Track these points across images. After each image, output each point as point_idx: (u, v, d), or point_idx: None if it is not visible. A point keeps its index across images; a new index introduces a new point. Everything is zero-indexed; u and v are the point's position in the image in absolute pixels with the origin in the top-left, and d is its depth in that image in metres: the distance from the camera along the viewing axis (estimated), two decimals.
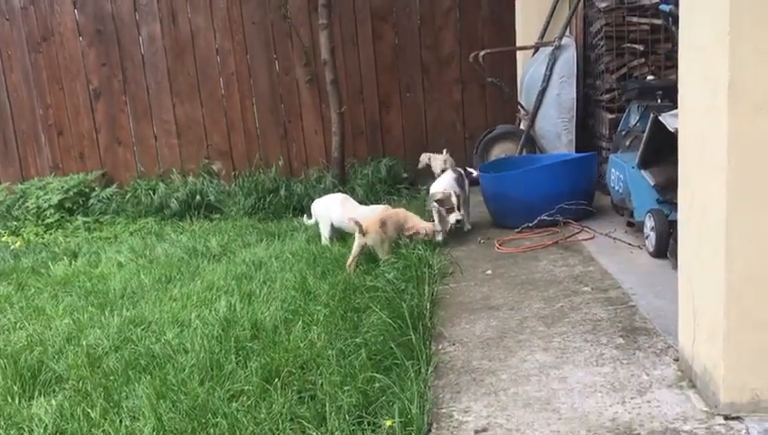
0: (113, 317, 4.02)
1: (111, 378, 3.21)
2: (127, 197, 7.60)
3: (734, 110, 2.01)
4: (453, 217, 4.73)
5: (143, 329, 3.80)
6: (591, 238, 4.46)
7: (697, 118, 2.29)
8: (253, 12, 7.67)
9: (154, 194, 7.49)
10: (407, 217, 4.66)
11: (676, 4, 2.76)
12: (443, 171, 6.51)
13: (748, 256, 2.09)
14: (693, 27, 2.33)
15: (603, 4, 5.49)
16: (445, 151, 6.72)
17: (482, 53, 6.04)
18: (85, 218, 7.28)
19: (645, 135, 4.08)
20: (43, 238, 6.86)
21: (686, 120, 2.45)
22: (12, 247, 6.45)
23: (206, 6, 7.70)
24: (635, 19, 5.43)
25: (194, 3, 7.71)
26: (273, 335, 3.45)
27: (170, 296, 4.34)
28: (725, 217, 2.09)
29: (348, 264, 4.40)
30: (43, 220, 7.30)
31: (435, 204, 4.78)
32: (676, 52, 2.52)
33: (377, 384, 2.73)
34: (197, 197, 7.26)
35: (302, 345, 3.26)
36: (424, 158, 6.93)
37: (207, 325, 3.67)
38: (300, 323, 3.55)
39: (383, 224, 4.47)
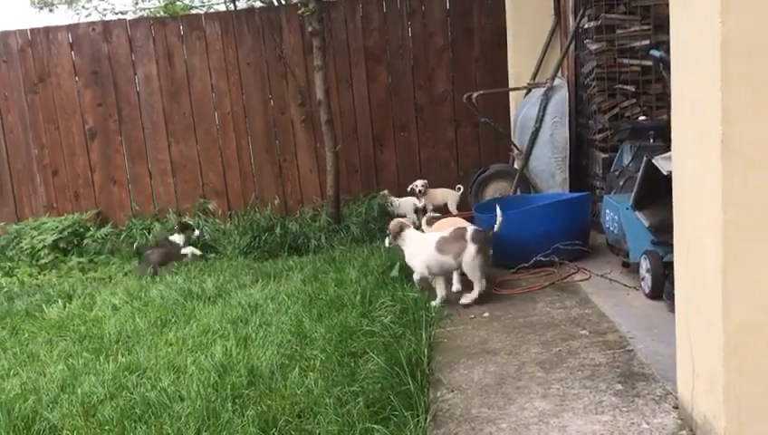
0: (108, 363, 3.98)
1: (106, 428, 3.17)
2: (122, 236, 7.57)
3: (728, 164, 2.04)
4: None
5: (138, 376, 3.76)
6: (588, 279, 4.48)
7: (692, 170, 2.32)
8: (248, 53, 7.77)
9: (149, 233, 7.48)
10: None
11: (667, 51, 2.81)
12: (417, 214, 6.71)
13: (746, 309, 2.10)
14: (685, 81, 2.37)
15: (594, 47, 5.57)
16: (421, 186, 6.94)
17: (475, 95, 6.11)
18: (80, 259, 7.24)
19: (638, 177, 4.11)
20: (37, 279, 6.83)
21: (680, 171, 2.47)
22: (5, 289, 6.39)
23: (201, 49, 7.79)
24: (626, 61, 5.52)
25: (189, 45, 7.80)
26: (269, 382, 3.42)
27: (166, 341, 4.31)
28: (722, 268, 2.10)
29: None
30: (37, 261, 7.25)
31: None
32: (667, 93, 2.55)
33: None
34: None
35: (298, 392, 3.24)
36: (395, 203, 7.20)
37: (203, 371, 3.64)
38: (296, 368, 3.52)
39: None
